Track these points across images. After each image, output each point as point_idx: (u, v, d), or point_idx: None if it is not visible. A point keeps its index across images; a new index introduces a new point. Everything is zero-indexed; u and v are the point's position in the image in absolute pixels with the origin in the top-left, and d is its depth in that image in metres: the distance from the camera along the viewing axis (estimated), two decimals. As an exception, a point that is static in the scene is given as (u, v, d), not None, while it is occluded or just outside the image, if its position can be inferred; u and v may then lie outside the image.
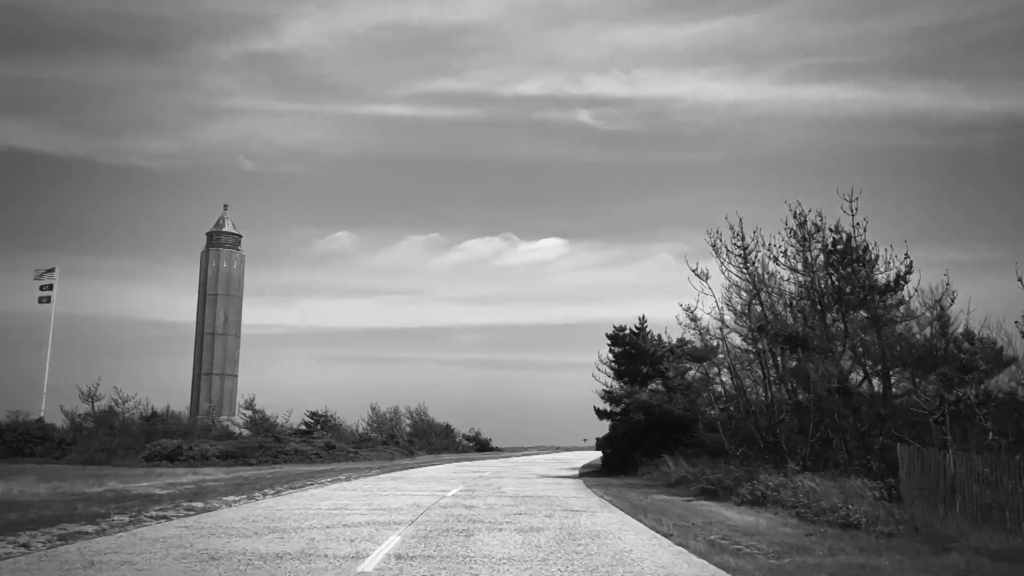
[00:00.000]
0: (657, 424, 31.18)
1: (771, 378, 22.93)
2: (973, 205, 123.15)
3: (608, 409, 34.21)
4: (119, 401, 59.90)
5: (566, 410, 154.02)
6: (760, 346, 23.02)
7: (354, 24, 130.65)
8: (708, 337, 29.10)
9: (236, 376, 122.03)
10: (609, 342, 33.42)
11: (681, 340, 31.78)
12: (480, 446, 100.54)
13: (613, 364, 33.50)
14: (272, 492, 22.78)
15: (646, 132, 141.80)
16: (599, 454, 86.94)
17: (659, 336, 31.86)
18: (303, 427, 75.45)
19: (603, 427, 37.35)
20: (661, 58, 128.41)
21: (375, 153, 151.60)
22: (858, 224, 22.02)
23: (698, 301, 29.03)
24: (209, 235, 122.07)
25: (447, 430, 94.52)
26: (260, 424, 72.60)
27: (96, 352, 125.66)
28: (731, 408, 26.48)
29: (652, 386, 32.18)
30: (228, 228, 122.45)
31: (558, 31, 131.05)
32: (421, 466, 44.72)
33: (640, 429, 31.39)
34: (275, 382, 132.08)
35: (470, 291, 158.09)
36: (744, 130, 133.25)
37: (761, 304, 23.57)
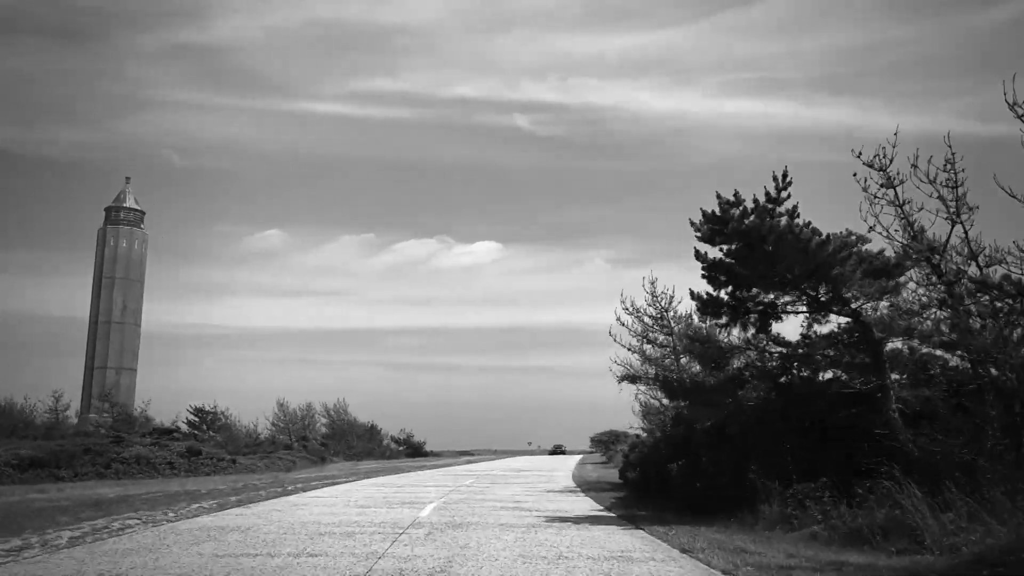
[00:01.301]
0: (801, 412, 13.54)
1: None
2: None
3: (687, 375, 16.24)
4: None
5: (500, 414, 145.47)
6: None
7: (287, 19, 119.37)
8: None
9: (135, 370, 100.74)
10: (699, 233, 13.85)
11: (848, 235, 14.07)
12: (412, 450, 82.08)
13: (709, 279, 14.67)
14: None
15: (581, 139, 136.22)
16: (568, 461, 64.16)
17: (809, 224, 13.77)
18: (179, 425, 55.99)
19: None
20: (596, 67, 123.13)
21: (307, 151, 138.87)
22: None
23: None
24: (108, 211, 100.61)
25: (372, 431, 75.65)
26: (120, 422, 53.13)
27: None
28: None
29: (773, 331, 14.46)
30: (130, 203, 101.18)
31: (495, 36, 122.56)
32: (320, 484, 26.07)
33: (772, 418, 13.61)
34: (195, 383, 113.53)
35: (404, 293, 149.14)
36: (676, 140, 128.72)
37: None
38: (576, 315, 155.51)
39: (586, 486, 25.61)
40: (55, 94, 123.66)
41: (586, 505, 18.06)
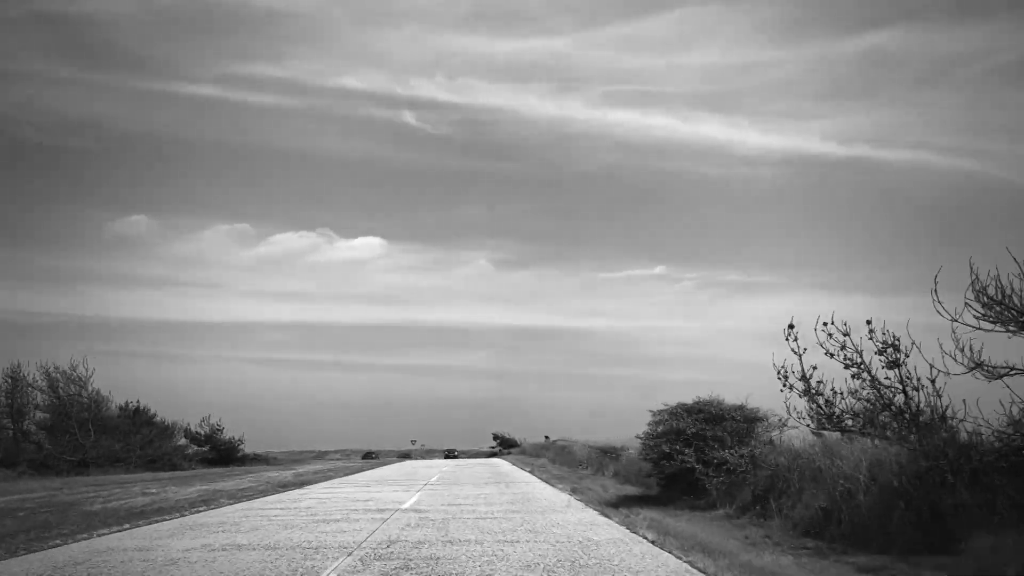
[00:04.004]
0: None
1: None
2: (753, 230, 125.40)
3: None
4: None
5: (380, 412, 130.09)
6: None
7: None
8: None
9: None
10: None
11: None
12: (219, 453, 56.58)
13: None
14: None
15: (469, 139, 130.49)
16: (512, 481, 25.62)
17: None
18: None
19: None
20: (485, 69, 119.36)
21: (180, 134, 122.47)
22: None
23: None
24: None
25: (135, 419, 49.85)
26: None
27: None
28: None
29: None
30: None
31: (384, 29, 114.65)
32: None
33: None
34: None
35: (280, 287, 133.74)
36: (561, 146, 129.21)
37: None
38: (459, 314, 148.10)
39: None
40: None
41: None
